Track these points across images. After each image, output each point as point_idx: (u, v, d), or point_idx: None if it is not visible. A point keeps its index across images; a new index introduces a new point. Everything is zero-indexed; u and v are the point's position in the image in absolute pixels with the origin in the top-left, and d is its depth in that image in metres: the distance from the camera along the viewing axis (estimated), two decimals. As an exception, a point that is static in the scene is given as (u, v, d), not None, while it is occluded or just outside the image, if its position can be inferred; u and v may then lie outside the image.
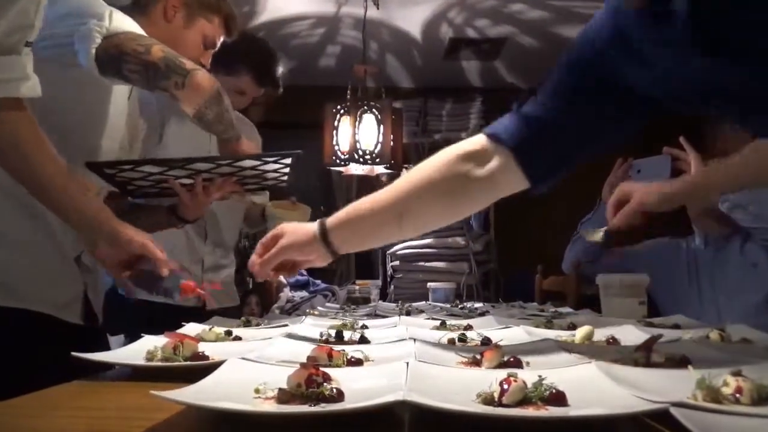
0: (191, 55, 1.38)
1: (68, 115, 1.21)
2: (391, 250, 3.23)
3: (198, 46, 1.46)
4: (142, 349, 0.89)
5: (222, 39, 1.53)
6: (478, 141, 1.05)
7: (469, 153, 1.04)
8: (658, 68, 0.84)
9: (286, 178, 1.48)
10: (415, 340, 0.97)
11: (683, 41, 0.78)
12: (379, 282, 3.02)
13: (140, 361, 0.85)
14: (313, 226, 1.09)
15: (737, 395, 0.59)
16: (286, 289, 3.02)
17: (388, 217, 1.06)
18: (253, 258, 1.12)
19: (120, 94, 1.30)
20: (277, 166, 1.40)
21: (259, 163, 1.37)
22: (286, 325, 1.27)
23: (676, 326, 1.26)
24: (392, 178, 3.72)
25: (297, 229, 1.10)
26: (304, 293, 3.06)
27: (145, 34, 1.21)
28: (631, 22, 0.84)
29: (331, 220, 1.08)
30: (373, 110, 2.60)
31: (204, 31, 1.46)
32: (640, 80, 0.89)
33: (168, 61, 1.15)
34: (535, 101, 1.01)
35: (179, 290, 1.11)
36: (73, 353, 0.81)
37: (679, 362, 0.78)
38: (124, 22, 1.18)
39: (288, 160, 1.38)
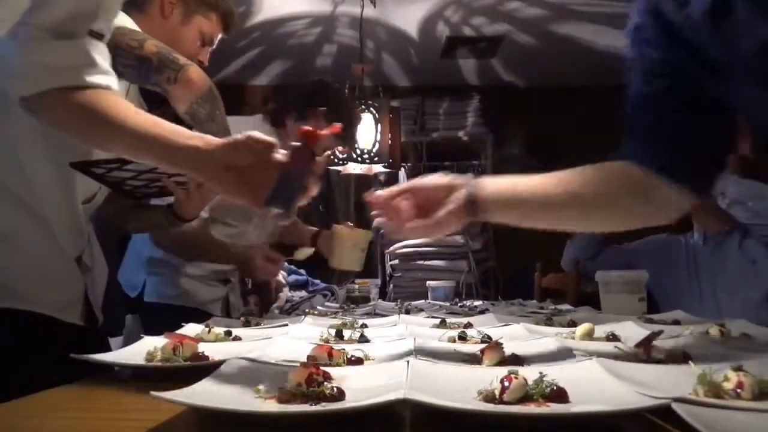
0: (188, 52, 1.38)
1: None
2: (390, 248, 3.23)
3: (195, 43, 1.46)
4: (142, 350, 0.88)
5: (219, 36, 1.53)
6: (630, 169, 0.95)
7: (631, 180, 0.95)
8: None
9: None
10: (415, 338, 0.97)
11: None
12: (379, 281, 3.01)
13: (140, 362, 0.85)
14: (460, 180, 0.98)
15: (738, 390, 0.59)
16: (286, 289, 3.02)
17: (553, 205, 0.99)
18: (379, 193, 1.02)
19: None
20: None
21: None
22: (286, 325, 1.27)
23: (676, 322, 1.26)
24: (390, 176, 3.73)
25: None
26: (303, 293, 3.06)
27: (138, 30, 1.20)
28: None
29: (484, 183, 0.98)
30: (371, 109, 2.60)
31: (201, 28, 1.46)
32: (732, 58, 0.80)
33: (161, 56, 1.15)
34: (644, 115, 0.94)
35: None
36: (72, 355, 0.81)
37: (680, 358, 0.78)
38: (118, 18, 1.18)
39: None
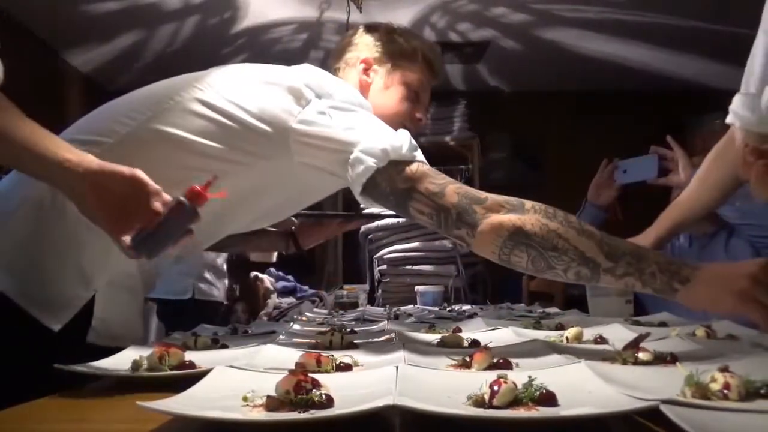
0: (399, 111, 1.30)
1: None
2: (379, 254, 3.22)
3: (403, 101, 1.33)
4: (128, 359, 0.87)
5: (431, 83, 1.39)
6: None
7: None
8: None
9: None
10: (404, 343, 0.97)
11: None
12: (367, 286, 3.00)
13: (126, 371, 0.84)
14: None
15: (725, 391, 0.59)
16: (274, 296, 3.01)
17: None
18: None
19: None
20: None
21: None
22: (274, 332, 1.26)
23: (663, 324, 1.27)
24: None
25: None
26: (291, 299, 3.05)
27: (439, 173, 1.06)
28: None
29: None
30: (358, 115, 2.60)
31: (406, 81, 1.33)
32: None
33: (461, 208, 0.99)
34: None
35: (190, 212, 0.86)
36: (56, 365, 0.80)
37: (668, 360, 0.78)
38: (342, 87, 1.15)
39: None
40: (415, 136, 1.13)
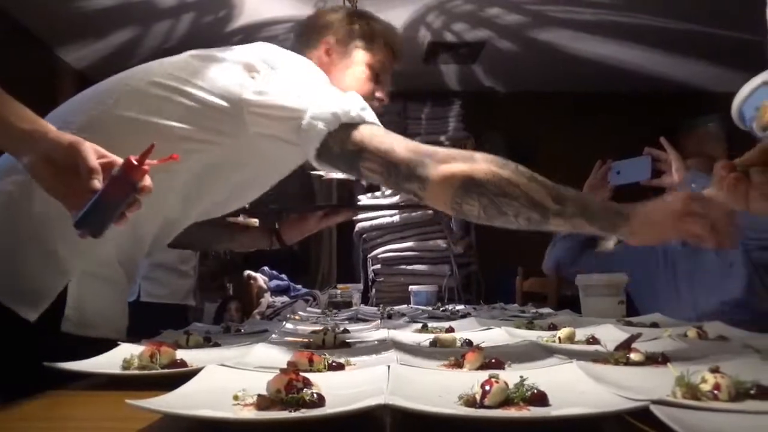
0: (361, 90, 1.27)
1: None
2: (373, 253, 3.22)
3: (365, 81, 1.33)
4: (118, 357, 0.87)
5: (393, 66, 1.40)
6: None
7: None
8: None
9: None
10: (396, 343, 0.97)
11: None
12: (361, 286, 3.00)
13: (116, 369, 0.83)
14: None
15: (715, 392, 0.59)
16: (267, 295, 3.00)
17: None
18: None
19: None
20: None
21: None
22: (267, 331, 1.26)
23: (655, 325, 1.27)
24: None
25: None
26: (285, 298, 3.04)
27: (387, 130, 1.07)
28: None
29: None
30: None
31: (367, 62, 1.34)
32: None
33: (411, 162, 1.00)
34: None
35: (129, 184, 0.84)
36: (45, 363, 0.80)
37: (659, 360, 0.79)
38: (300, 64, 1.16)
39: None
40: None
